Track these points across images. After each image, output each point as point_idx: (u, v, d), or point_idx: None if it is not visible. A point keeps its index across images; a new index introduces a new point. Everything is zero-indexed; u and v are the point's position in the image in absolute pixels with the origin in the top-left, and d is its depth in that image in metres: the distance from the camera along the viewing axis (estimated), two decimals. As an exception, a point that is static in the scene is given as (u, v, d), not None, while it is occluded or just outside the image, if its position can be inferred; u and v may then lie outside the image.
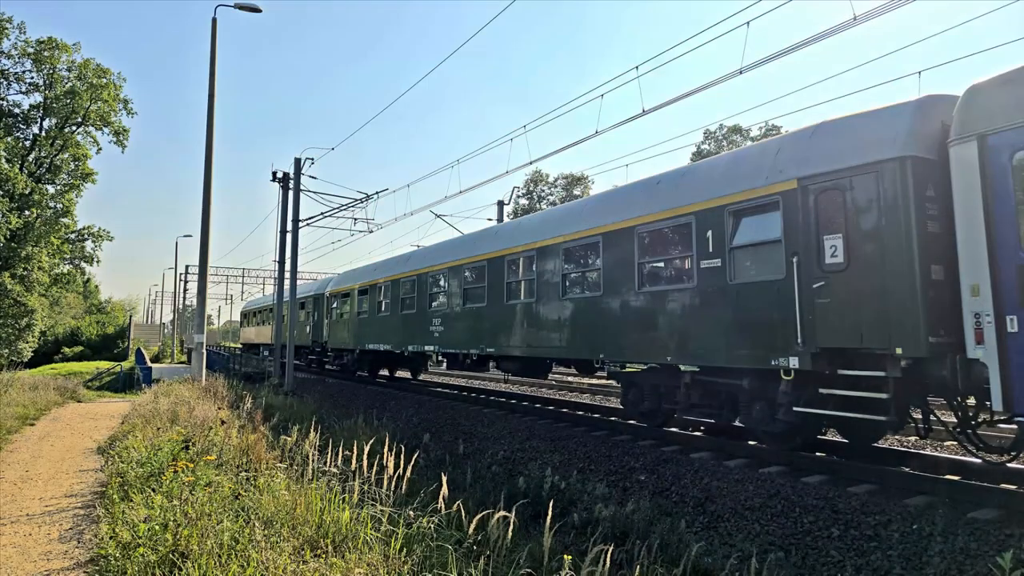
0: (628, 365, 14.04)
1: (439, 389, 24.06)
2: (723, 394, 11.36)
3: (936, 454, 10.50)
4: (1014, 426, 9.67)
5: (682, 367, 11.98)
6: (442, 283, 21.05)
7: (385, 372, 30.25)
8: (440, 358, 21.98)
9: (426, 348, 21.61)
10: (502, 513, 6.50)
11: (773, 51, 14.58)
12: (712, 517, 8.76)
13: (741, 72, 13.22)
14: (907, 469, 9.41)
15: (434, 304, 21.23)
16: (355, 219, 32.88)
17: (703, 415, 11.66)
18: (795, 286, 9.57)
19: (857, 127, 9.50)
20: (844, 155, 9.30)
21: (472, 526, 6.61)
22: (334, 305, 32.04)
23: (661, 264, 12.44)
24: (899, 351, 8.39)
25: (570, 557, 5.63)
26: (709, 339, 10.96)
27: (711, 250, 10.99)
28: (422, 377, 30.97)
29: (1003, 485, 8.38)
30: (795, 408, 9.80)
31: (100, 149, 51.35)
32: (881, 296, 8.63)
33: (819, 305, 9.30)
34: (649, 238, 12.44)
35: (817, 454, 10.38)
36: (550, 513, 6.18)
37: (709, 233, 11.04)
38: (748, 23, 13.03)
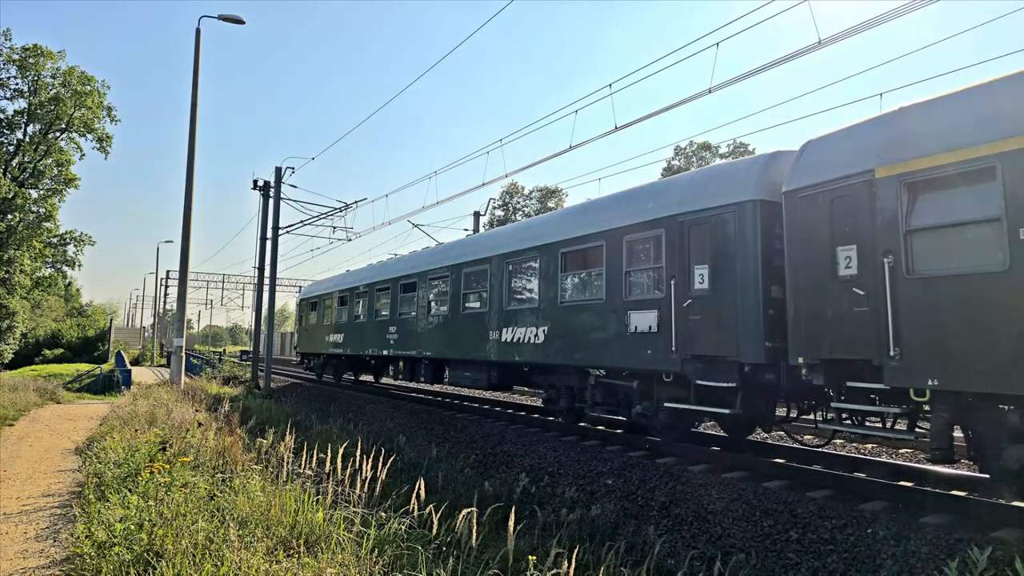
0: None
1: (415, 395, 24.22)
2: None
3: (892, 461, 10.79)
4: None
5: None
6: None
7: (350, 376, 30.46)
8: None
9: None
10: (472, 512, 6.64)
11: (742, 71, 14.96)
12: (676, 520, 8.97)
13: (711, 91, 13.64)
14: (863, 475, 9.72)
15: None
16: (334, 227, 33.21)
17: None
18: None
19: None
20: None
21: (443, 527, 6.78)
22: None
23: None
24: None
25: (534, 558, 5.82)
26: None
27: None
28: (402, 384, 31.06)
29: (954, 492, 8.65)
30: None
31: (83, 155, 51.31)
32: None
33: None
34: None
35: (776, 460, 10.67)
36: (513, 516, 6.34)
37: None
38: (718, 44, 13.44)
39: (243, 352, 78.27)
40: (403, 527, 7.05)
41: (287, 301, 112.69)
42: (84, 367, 47.75)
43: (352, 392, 25.51)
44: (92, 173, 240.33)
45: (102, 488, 9.31)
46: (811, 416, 10.60)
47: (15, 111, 48.51)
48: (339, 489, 7.96)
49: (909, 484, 9.04)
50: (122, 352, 54.10)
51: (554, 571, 5.64)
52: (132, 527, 6.79)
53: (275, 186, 30.91)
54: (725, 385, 10.41)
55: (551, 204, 77.37)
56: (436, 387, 25.74)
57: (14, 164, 48.15)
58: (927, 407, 8.13)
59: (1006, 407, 7.45)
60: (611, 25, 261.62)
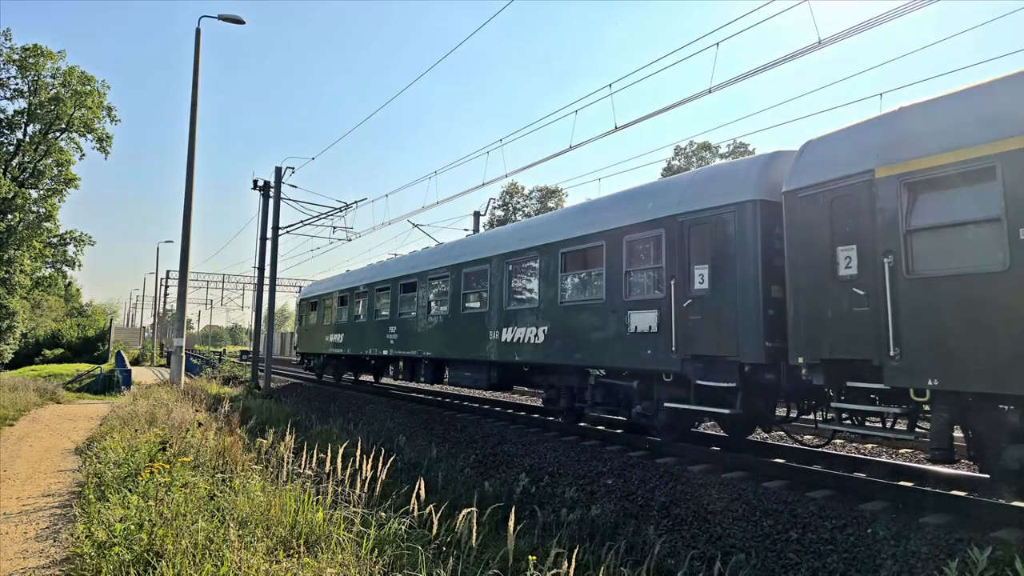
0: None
1: (415, 395, 24.24)
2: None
3: (892, 461, 10.80)
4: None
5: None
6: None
7: (350, 376, 30.49)
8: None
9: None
10: (472, 512, 6.64)
11: (742, 71, 15.01)
12: (676, 520, 8.97)
13: (711, 91, 13.66)
14: (863, 475, 9.73)
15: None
16: (334, 227, 33.27)
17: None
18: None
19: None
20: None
21: (443, 527, 6.78)
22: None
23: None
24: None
25: (534, 558, 5.81)
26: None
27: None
28: (402, 384, 31.09)
29: (954, 492, 8.66)
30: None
31: (83, 155, 51.39)
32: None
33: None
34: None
35: (776, 460, 10.68)
36: (513, 516, 6.33)
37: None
38: (718, 44, 13.46)
39: (243, 352, 78.28)
40: (403, 527, 7.06)
41: (287, 301, 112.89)
42: (84, 367, 47.77)
43: (352, 392, 25.52)
44: (92, 173, 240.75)
45: (102, 488, 9.32)
46: (811, 416, 10.60)
47: (15, 111, 48.68)
48: (339, 489, 7.97)
49: (909, 484, 9.04)
50: (122, 352, 54.14)
51: (554, 571, 5.64)
52: (132, 527, 6.79)
53: (275, 186, 30.96)
54: (725, 385, 10.41)
55: (551, 204, 77.45)
56: (436, 387, 25.81)
57: (14, 164, 48.23)
58: (927, 407, 8.14)
59: (1006, 407, 7.46)
60: (611, 25, 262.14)
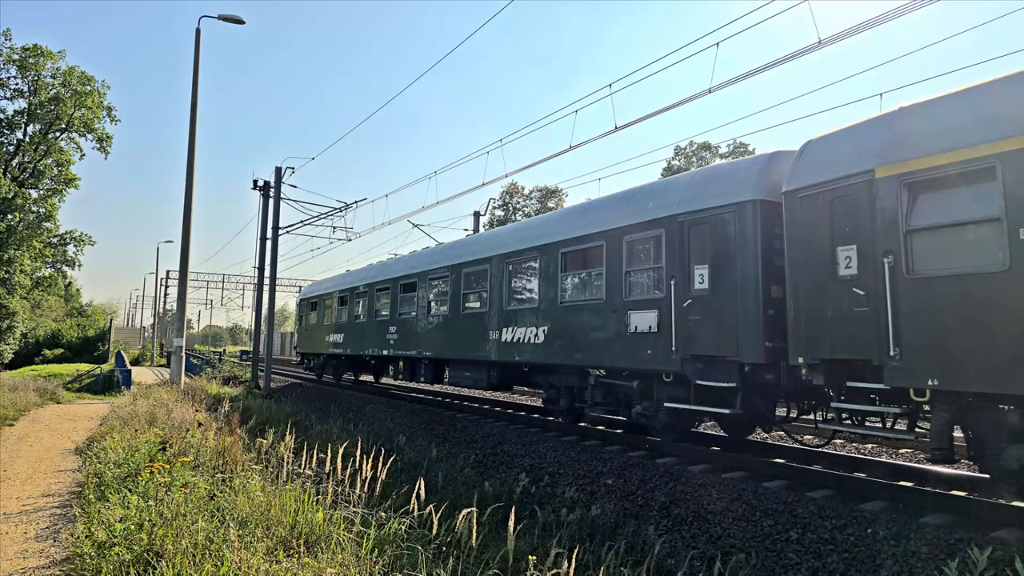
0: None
1: (415, 395, 24.24)
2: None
3: (892, 461, 10.80)
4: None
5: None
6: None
7: (350, 376, 30.50)
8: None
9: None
10: (472, 512, 6.64)
11: (742, 71, 15.04)
12: (676, 520, 8.97)
13: (710, 91, 13.68)
14: (863, 475, 9.73)
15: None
16: (334, 227, 33.28)
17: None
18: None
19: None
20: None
21: (443, 527, 6.78)
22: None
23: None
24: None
25: (534, 558, 5.81)
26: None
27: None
28: (402, 384, 31.10)
29: (954, 492, 8.66)
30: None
31: (83, 155, 51.40)
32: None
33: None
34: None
35: (776, 460, 10.68)
36: (513, 516, 6.32)
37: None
38: (718, 44, 13.47)
39: (243, 352, 78.23)
40: (403, 527, 7.05)
41: (287, 301, 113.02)
42: (84, 367, 47.72)
43: (352, 392, 25.52)
44: (92, 173, 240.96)
45: (102, 488, 9.31)
46: (811, 416, 10.60)
47: (15, 111, 48.69)
48: (339, 489, 7.97)
49: (909, 484, 9.04)
50: (122, 352, 54.09)
51: (554, 571, 5.64)
52: (132, 527, 6.79)
53: (275, 186, 30.99)
54: (725, 385, 10.41)
55: (551, 204, 77.43)
56: (436, 387, 25.82)
57: (14, 164, 48.26)
58: (927, 407, 8.14)
59: (1006, 407, 7.46)
60: (611, 25, 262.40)
